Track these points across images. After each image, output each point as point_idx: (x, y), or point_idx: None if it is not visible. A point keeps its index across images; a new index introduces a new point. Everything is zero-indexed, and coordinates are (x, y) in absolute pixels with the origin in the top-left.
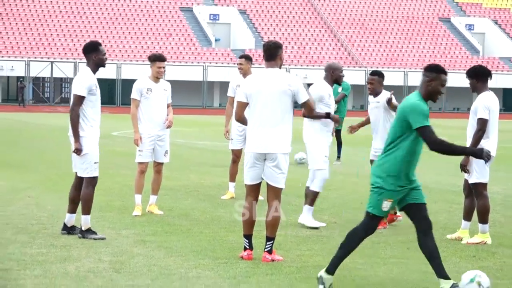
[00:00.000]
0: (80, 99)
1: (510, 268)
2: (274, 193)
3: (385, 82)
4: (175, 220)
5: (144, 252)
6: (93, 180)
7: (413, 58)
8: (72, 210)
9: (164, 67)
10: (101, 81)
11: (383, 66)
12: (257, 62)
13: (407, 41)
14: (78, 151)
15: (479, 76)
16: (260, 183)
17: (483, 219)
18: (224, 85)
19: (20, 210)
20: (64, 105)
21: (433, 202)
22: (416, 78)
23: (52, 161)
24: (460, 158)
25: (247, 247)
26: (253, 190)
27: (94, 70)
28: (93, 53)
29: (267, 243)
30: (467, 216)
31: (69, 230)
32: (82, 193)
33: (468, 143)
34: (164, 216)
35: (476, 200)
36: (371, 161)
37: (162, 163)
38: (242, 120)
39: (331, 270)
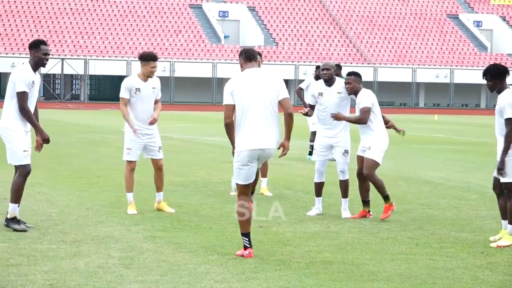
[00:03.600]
0: (23, 95)
1: None
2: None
3: (394, 79)
4: (184, 216)
5: (153, 248)
6: (24, 169)
7: (421, 55)
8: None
9: (156, 66)
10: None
11: (392, 62)
12: (265, 58)
13: (415, 38)
14: (45, 140)
15: (498, 75)
16: (252, 182)
17: None
18: None
19: (31, 206)
20: (74, 102)
21: (441, 198)
22: (424, 75)
23: (63, 157)
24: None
25: (248, 245)
26: (247, 189)
27: (34, 68)
28: (33, 50)
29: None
30: (505, 215)
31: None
32: (13, 182)
33: (499, 144)
34: (173, 212)
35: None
36: (358, 157)
37: (160, 159)
38: (231, 125)
39: None
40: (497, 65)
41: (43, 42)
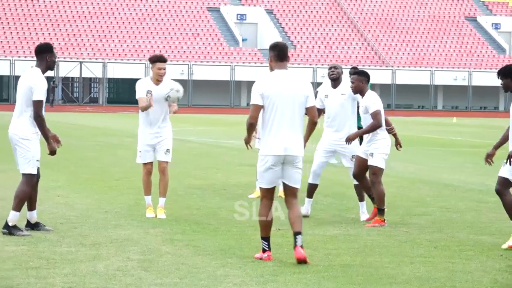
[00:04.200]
0: (41, 104)
1: None
2: (294, 193)
3: (412, 81)
4: (202, 219)
5: (172, 251)
6: (33, 178)
7: (440, 57)
8: (31, 207)
9: (164, 69)
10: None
11: (410, 65)
12: None
13: (434, 41)
14: (53, 152)
15: (510, 75)
16: (275, 186)
17: None
18: (251, 85)
19: (50, 209)
20: (93, 105)
21: (459, 201)
22: (442, 77)
23: (81, 161)
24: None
25: (266, 248)
26: (270, 193)
27: (44, 72)
28: (48, 54)
29: (297, 236)
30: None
31: (32, 226)
32: (19, 190)
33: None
34: (191, 215)
35: None
36: (358, 158)
37: (164, 162)
38: (255, 124)
39: None
40: (510, 65)
41: (53, 46)
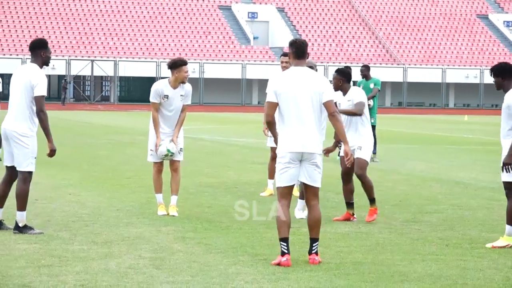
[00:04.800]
0: (44, 99)
1: None
2: (314, 193)
3: (424, 79)
4: (214, 217)
5: (184, 249)
6: (31, 175)
7: (451, 55)
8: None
9: (188, 71)
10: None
11: (421, 63)
12: None
13: (445, 38)
14: (53, 152)
15: (505, 73)
16: (294, 184)
17: None
18: (263, 83)
19: (62, 207)
20: (104, 103)
21: (471, 199)
22: (454, 75)
23: (93, 159)
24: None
25: (285, 251)
26: (288, 193)
27: (41, 67)
28: (42, 50)
29: (314, 244)
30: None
31: None
32: (20, 189)
33: (503, 141)
34: (203, 213)
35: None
36: (342, 158)
37: (178, 161)
38: (273, 122)
39: None
40: (504, 63)
41: (47, 42)
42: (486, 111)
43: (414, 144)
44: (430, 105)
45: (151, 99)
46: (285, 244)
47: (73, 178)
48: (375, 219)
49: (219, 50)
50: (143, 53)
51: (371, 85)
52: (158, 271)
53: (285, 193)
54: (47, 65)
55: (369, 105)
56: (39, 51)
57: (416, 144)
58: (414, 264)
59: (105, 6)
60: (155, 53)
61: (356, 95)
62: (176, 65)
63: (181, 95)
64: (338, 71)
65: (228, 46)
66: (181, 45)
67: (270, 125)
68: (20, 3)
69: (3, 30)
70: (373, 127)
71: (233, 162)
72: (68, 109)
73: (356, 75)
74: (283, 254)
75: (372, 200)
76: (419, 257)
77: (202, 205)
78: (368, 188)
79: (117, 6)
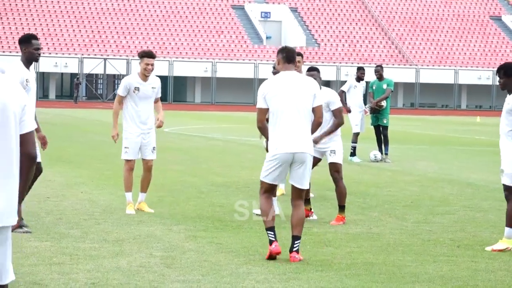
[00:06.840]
0: None
1: None
2: (299, 194)
3: (436, 80)
4: (225, 216)
5: (195, 248)
6: None
7: (464, 56)
8: None
9: (152, 64)
10: None
11: (434, 64)
12: (307, 60)
13: (458, 39)
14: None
15: (511, 73)
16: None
17: None
18: None
19: (74, 205)
20: None
21: (483, 200)
22: (466, 76)
23: (105, 157)
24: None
25: (273, 239)
26: (271, 188)
27: (26, 64)
28: (24, 45)
29: (295, 242)
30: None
31: None
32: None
33: (502, 142)
34: (215, 212)
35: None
36: (330, 164)
37: (151, 160)
38: (264, 128)
39: None
40: (510, 63)
41: (34, 37)
42: (499, 112)
43: (425, 145)
44: (442, 106)
45: (118, 91)
46: (272, 233)
47: (85, 176)
48: (339, 224)
49: (232, 50)
50: (156, 51)
51: (384, 86)
52: (169, 270)
53: (268, 188)
54: (35, 60)
55: (381, 106)
56: (21, 46)
57: (428, 145)
58: (425, 265)
59: (118, 4)
60: (168, 52)
61: (336, 99)
62: (140, 56)
63: (152, 88)
64: (311, 69)
65: (241, 45)
66: (194, 44)
67: (261, 130)
68: (33, 1)
69: (16, 28)
70: (386, 127)
71: (245, 162)
72: (81, 107)
73: (368, 75)
74: (271, 242)
75: (341, 208)
76: (430, 258)
77: (214, 204)
78: (340, 193)
79: (130, 5)
